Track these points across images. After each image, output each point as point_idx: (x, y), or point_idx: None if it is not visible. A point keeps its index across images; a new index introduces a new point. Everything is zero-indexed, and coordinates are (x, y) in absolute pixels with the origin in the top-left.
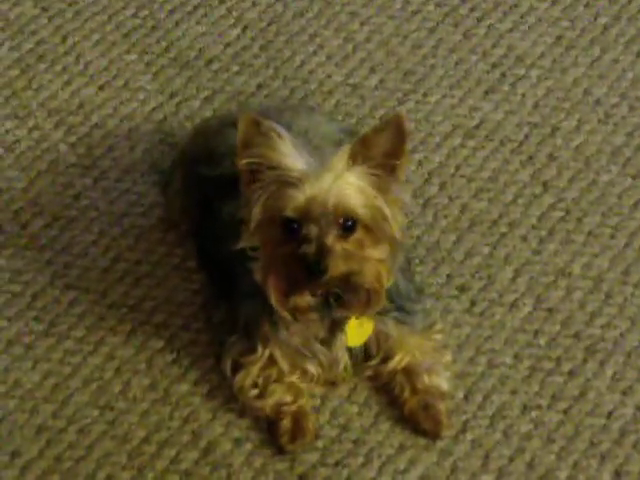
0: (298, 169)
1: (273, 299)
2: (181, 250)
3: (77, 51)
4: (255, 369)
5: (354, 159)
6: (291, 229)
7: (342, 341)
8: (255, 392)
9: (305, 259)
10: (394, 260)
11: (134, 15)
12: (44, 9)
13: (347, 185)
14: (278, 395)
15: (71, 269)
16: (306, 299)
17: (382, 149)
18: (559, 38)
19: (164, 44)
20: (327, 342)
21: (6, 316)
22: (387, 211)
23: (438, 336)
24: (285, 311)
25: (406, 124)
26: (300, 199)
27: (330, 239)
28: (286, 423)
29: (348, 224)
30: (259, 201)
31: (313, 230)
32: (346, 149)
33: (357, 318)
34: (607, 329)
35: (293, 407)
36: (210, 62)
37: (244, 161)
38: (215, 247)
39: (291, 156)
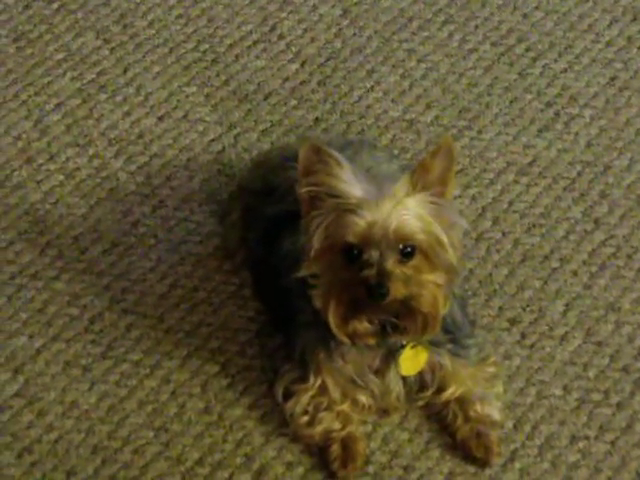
0: (358, 196)
1: (332, 323)
2: (237, 278)
3: (138, 82)
4: (306, 397)
5: (414, 186)
6: (352, 254)
7: (396, 371)
8: (305, 419)
9: (366, 283)
10: (450, 286)
11: (195, 48)
12: (106, 40)
13: (406, 211)
14: (327, 423)
15: (129, 294)
16: (364, 325)
17: (436, 174)
18: (612, 79)
19: (224, 77)
20: (381, 372)
21: (64, 338)
22: (444, 237)
23: (491, 368)
24: (344, 336)
25: (453, 146)
26: (361, 225)
27: (390, 263)
28: (336, 449)
29: (407, 250)
30: (319, 228)
31: (374, 255)
32: (407, 177)
33: (412, 347)
34: None
35: (342, 433)
36: (269, 96)
37: (304, 189)
38: (273, 278)
39: (351, 183)
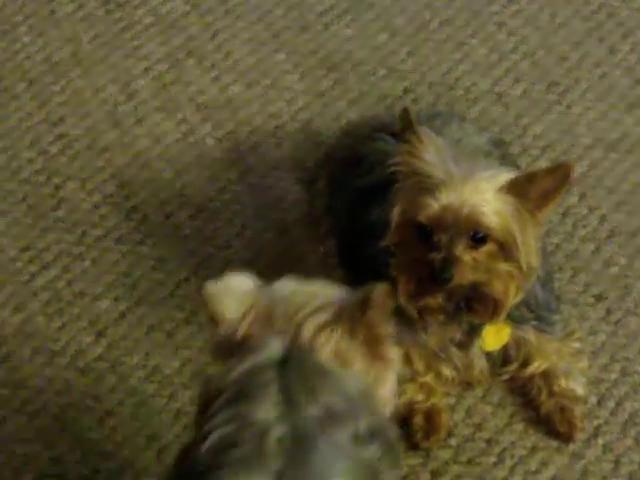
0: (438, 177)
1: (401, 297)
2: (322, 247)
3: (226, 48)
4: None
5: (510, 190)
6: (423, 235)
7: (479, 345)
8: None
9: (431, 265)
10: (525, 282)
11: (284, 16)
12: (194, 6)
13: (485, 201)
14: (410, 394)
15: (213, 260)
16: (437, 300)
17: (540, 191)
18: None
19: (312, 45)
20: (464, 346)
21: (149, 302)
22: (520, 239)
23: (575, 343)
24: (413, 309)
25: (572, 174)
26: (434, 207)
27: (459, 249)
28: (418, 420)
29: (478, 236)
30: (399, 203)
31: (443, 238)
32: (507, 177)
33: (489, 324)
34: None
35: (426, 405)
36: (357, 65)
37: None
38: (358, 247)
39: (433, 164)
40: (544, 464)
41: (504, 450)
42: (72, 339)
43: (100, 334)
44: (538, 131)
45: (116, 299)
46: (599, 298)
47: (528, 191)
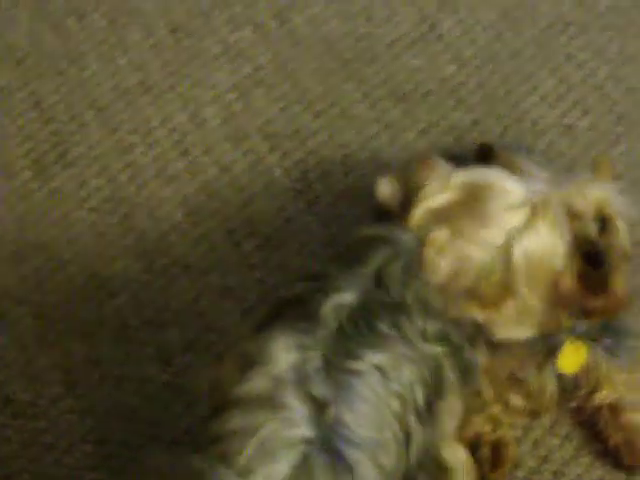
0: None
1: None
2: None
3: (295, 78)
4: None
5: None
6: None
7: (552, 368)
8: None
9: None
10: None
11: (353, 46)
12: (263, 35)
13: None
14: (478, 426)
15: (281, 289)
16: None
17: None
18: None
19: (382, 76)
20: (540, 367)
21: (216, 331)
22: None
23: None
24: None
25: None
26: None
27: None
28: (485, 452)
29: None
30: None
31: None
32: None
33: (572, 342)
34: None
35: (492, 437)
36: (426, 96)
37: None
38: None
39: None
40: None
41: None
42: (138, 367)
43: (167, 362)
44: None
45: (183, 327)
46: None
47: None
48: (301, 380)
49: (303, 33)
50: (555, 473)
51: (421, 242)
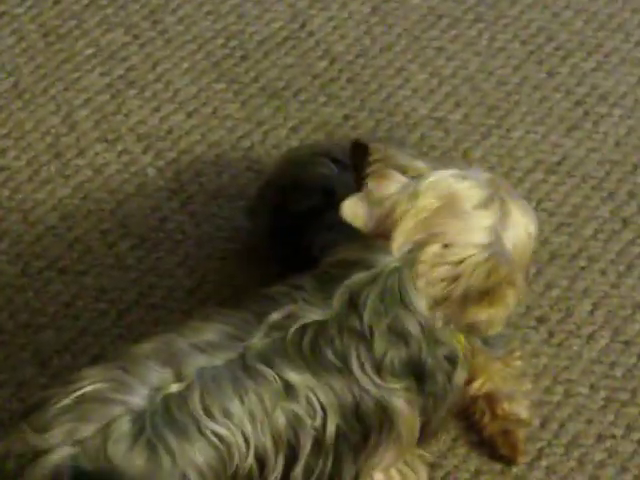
0: (421, 166)
1: None
2: (264, 275)
3: (167, 78)
4: None
5: None
6: None
7: None
8: None
9: None
10: None
11: (224, 45)
12: (135, 36)
13: None
14: None
15: (156, 289)
16: None
17: None
18: None
19: (253, 74)
20: None
21: (92, 333)
22: None
23: (517, 362)
24: None
25: None
26: None
27: None
28: None
29: None
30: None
31: None
32: None
33: None
34: None
35: None
36: (298, 93)
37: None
38: (298, 269)
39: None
40: (480, 475)
41: (447, 474)
42: (15, 371)
43: (43, 365)
44: (478, 155)
45: (59, 330)
46: (541, 320)
47: None
48: (183, 359)
49: (174, 33)
50: (432, 465)
51: (404, 264)
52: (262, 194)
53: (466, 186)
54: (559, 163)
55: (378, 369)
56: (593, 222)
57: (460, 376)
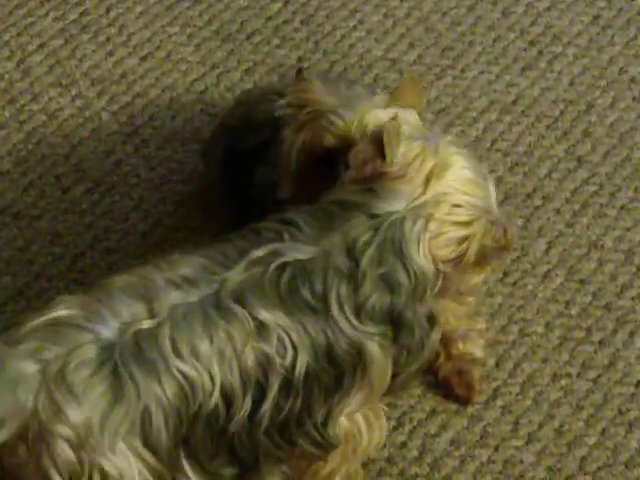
0: (332, 103)
1: None
2: (218, 217)
3: (120, 22)
4: None
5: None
6: (327, 168)
7: None
8: None
9: None
10: None
11: None
12: None
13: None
14: None
15: (111, 233)
16: None
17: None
18: (596, 17)
19: (206, 17)
20: None
21: (47, 277)
22: None
23: (472, 302)
24: None
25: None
26: (339, 125)
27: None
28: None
29: None
30: (295, 140)
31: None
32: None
33: None
34: (637, 301)
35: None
36: (251, 35)
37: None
38: (252, 208)
39: (324, 95)
40: (443, 427)
41: (403, 414)
42: None
43: None
44: (433, 95)
45: (14, 275)
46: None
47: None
48: (157, 295)
49: None
50: (387, 405)
51: (410, 217)
52: (215, 136)
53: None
54: (513, 103)
55: (357, 312)
56: (547, 161)
57: (435, 338)
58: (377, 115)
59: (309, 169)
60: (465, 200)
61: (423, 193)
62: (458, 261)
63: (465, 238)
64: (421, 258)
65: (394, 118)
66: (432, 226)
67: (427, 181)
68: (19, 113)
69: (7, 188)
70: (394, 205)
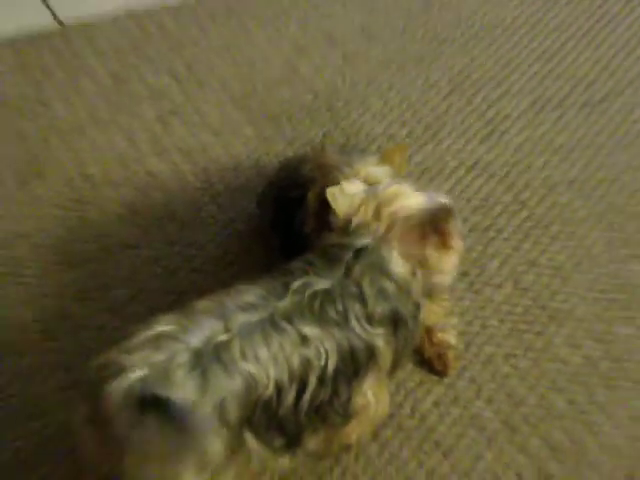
0: (339, 162)
1: None
2: (268, 245)
3: (200, 110)
4: None
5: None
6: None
7: None
8: None
9: None
10: None
11: (240, 87)
12: (176, 80)
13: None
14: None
15: (195, 258)
16: None
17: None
18: (533, 103)
19: (258, 105)
20: None
21: (149, 291)
22: None
23: (446, 303)
24: None
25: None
26: (339, 178)
27: None
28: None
29: None
30: (313, 190)
31: None
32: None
33: None
34: (564, 303)
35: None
36: (290, 121)
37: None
38: (291, 241)
39: (335, 159)
40: (428, 392)
41: (399, 384)
42: (93, 319)
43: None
44: (418, 159)
45: (125, 288)
46: (464, 274)
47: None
48: (230, 316)
49: (204, 76)
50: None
51: (378, 244)
52: (266, 191)
53: (401, 187)
54: (475, 164)
55: (369, 320)
56: (499, 205)
57: (421, 315)
58: (368, 171)
59: (323, 211)
60: (409, 210)
61: (378, 224)
62: (422, 257)
63: (420, 237)
64: (397, 267)
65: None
66: (394, 243)
67: (377, 215)
68: (131, 175)
69: (120, 224)
70: (364, 240)
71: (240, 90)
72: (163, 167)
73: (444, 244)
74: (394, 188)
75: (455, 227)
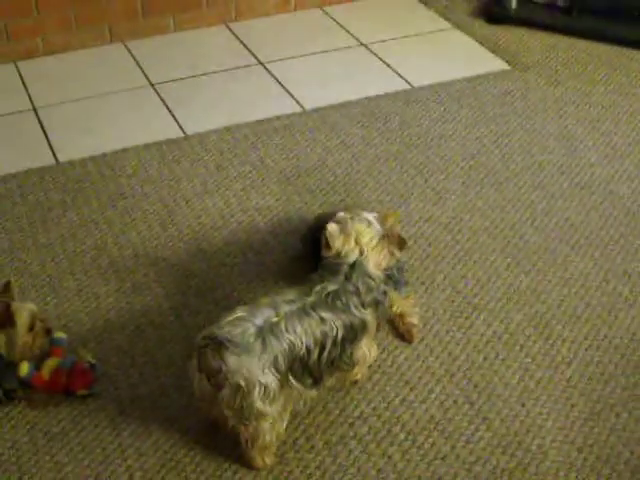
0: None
1: None
2: (307, 264)
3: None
4: None
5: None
6: None
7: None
8: None
9: None
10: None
11: (282, 166)
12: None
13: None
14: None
15: (248, 293)
16: None
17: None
18: (486, 228)
19: (296, 176)
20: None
21: (232, 288)
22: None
23: (411, 299)
24: None
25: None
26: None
27: None
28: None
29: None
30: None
31: None
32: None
33: None
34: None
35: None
36: (316, 191)
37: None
38: (318, 261)
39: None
40: (401, 352)
41: (384, 348)
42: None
43: (204, 296)
44: (403, 217)
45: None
46: (422, 283)
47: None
48: (279, 306)
49: (235, 160)
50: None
51: (360, 260)
52: (306, 235)
53: (365, 225)
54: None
55: (362, 305)
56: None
57: (387, 302)
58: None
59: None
60: (372, 234)
61: (359, 247)
62: (390, 255)
63: (385, 247)
64: (376, 272)
65: (336, 225)
66: (372, 257)
67: (357, 243)
68: (179, 235)
69: (226, 275)
70: (352, 258)
71: (280, 170)
72: (204, 230)
73: (399, 241)
74: (358, 226)
75: (398, 228)
